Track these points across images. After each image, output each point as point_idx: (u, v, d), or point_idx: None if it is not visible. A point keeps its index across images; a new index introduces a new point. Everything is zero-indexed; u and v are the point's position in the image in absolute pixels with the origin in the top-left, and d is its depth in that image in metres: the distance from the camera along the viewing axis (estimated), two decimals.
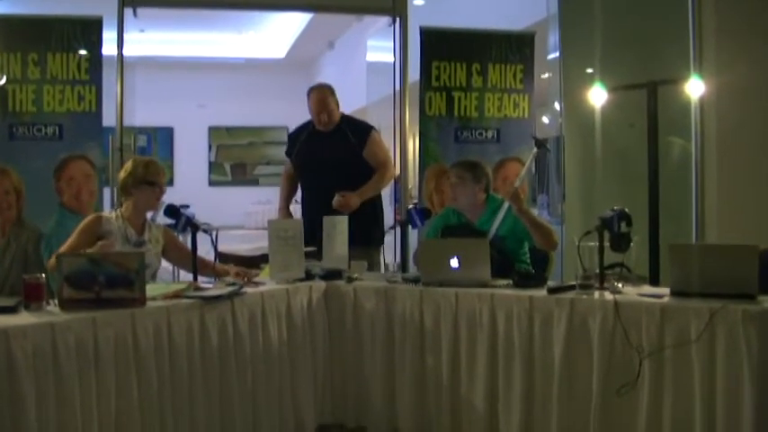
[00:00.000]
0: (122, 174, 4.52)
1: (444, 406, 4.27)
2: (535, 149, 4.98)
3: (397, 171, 6.97)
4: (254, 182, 22.27)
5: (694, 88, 6.09)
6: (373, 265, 5.40)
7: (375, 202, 5.76)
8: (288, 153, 5.96)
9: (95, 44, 6.31)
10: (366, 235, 5.48)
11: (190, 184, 20.41)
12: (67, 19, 6.33)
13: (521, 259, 4.82)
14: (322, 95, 5.71)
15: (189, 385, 3.78)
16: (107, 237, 4.29)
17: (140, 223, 4.53)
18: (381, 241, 5.83)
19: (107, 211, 4.51)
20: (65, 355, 3.26)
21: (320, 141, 5.70)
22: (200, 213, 4.77)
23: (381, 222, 5.82)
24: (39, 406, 3.14)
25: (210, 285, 4.26)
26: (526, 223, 4.67)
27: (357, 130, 5.78)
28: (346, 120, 5.83)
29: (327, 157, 5.63)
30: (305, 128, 5.88)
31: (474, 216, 4.87)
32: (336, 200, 5.42)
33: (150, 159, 4.59)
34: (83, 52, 6.27)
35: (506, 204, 4.71)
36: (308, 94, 5.76)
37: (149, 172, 4.47)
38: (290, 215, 5.99)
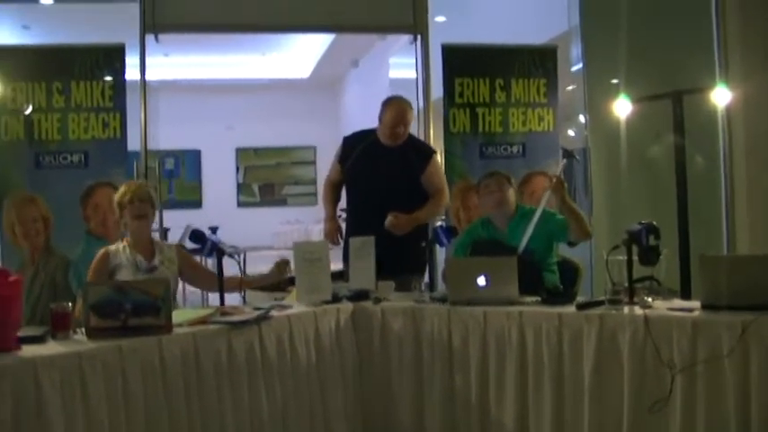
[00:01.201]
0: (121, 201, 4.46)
1: (474, 426, 4.23)
2: (564, 160, 4.94)
3: None
4: (283, 202, 22.37)
5: (720, 97, 6.02)
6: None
7: (422, 228, 5.45)
8: (341, 160, 5.57)
9: (119, 71, 6.37)
10: (412, 261, 5.29)
11: (218, 205, 20.55)
12: (91, 47, 6.40)
13: (549, 269, 4.78)
14: (403, 108, 5.40)
15: (218, 410, 3.76)
16: (117, 270, 4.30)
17: (149, 248, 4.47)
18: (425, 269, 5.56)
19: (113, 246, 4.43)
20: (92, 384, 3.27)
21: (382, 156, 5.38)
22: (228, 235, 4.78)
23: (426, 250, 5.41)
24: None
25: (237, 310, 4.24)
26: (566, 211, 4.61)
27: (420, 151, 5.53)
28: (410, 138, 5.56)
29: (386, 173, 5.33)
30: (364, 137, 5.54)
31: (504, 223, 4.83)
32: (390, 220, 5.14)
33: (130, 182, 4.55)
34: (107, 79, 6.31)
35: (536, 216, 4.66)
36: (386, 104, 5.42)
37: (120, 196, 4.41)
38: (339, 227, 5.51)
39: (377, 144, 5.44)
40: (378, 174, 5.34)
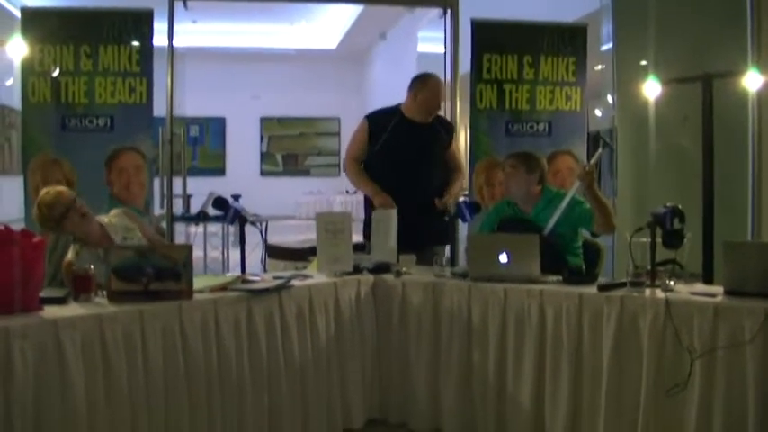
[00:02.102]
0: (40, 225, 4.13)
1: (489, 404, 4.23)
2: (600, 149, 4.89)
3: None
4: (306, 172, 22.46)
5: (752, 81, 5.95)
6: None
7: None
8: (374, 137, 5.50)
9: (146, 36, 6.35)
10: (438, 234, 5.36)
11: (241, 174, 20.66)
12: (119, 11, 6.39)
13: (574, 252, 4.75)
14: (440, 89, 5.56)
15: (237, 377, 3.79)
16: None
17: (101, 236, 4.17)
18: (448, 242, 5.63)
19: (70, 252, 4.09)
20: (113, 347, 3.30)
21: (415, 133, 5.45)
22: (251, 204, 4.77)
23: (449, 224, 5.43)
24: (88, 396, 3.19)
25: (258, 278, 4.26)
26: (593, 203, 4.55)
27: (447, 127, 5.67)
28: (436, 115, 5.66)
29: (420, 148, 5.40)
30: (391, 114, 5.56)
31: (528, 207, 4.81)
32: (442, 202, 5.22)
33: (44, 195, 4.09)
34: (135, 44, 6.31)
35: (566, 199, 4.63)
36: (423, 83, 5.46)
37: (52, 212, 4.03)
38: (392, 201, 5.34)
39: (405, 120, 5.48)
40: (411, 149, 5.39)
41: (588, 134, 7.04)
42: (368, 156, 5.52)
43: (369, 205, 5.48)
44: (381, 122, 5.54)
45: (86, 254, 4.03)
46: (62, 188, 4.22)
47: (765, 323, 3.42)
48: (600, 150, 4.88)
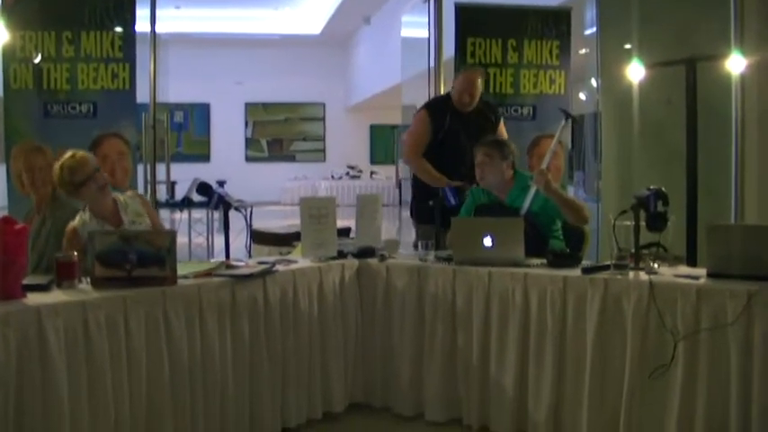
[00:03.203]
0: (57, 184, 4.22)
1: (473, 387, 4.25)
2: (563, 122, 4.91)
3: None
4: (291, 158, 22.42)
5: (735, 65, 5.97)
6: None
7: None
8: (435, 126, 5.59)
9: (129, 22, 6.33)
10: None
11: (226, 159, 20.63)
12: None
13: (553, 235, 4.77)
14: (473, 77, 5.62)
15: (220, 363, 3.78)
16: None
17: (112, 211, 4.26)
18: None
19: (77, 219, 4.19)
20: (96, 334, 3.29)
21: (469, 120, 5.58)
22: (236, 189, 4.76)
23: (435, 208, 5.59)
24: (71, 383, 3.17)
25: (243, 264, 4.25)
26: (556, 201, 4.63)
27: (494, 113, 5.82)
28: (482, 101, 5.75)
29: (476, 135, 5.32)
30: (445, 104, 5.70)
31: (503, 193, 4.83)
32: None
33: (68, 159, 4.13)
34: (117, 30, 6.27)
35: (528, 198, 4.66)
36: (460, 71, 5.74)
37: (72, 177, 4.09)
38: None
39: (457, 112, 5.61)
40: (466, 136, 5.45)
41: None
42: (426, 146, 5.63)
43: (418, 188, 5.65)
44: (439, 112, 5.64)
45: (93, 224, 4.09)
46: (88, 155, 4.26)
47: (748, 305, 3.43)
48: (563, 123, 4.89)
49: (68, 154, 4.17)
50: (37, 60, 6.17)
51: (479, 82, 5.62)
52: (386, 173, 20.93)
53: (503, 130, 5.79)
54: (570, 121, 4.98)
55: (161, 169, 8.70)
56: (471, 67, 5.78)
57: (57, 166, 4.16)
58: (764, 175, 6.15)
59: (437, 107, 5.74)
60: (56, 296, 3.35)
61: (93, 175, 4.12)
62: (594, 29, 7.34)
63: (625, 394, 3.72)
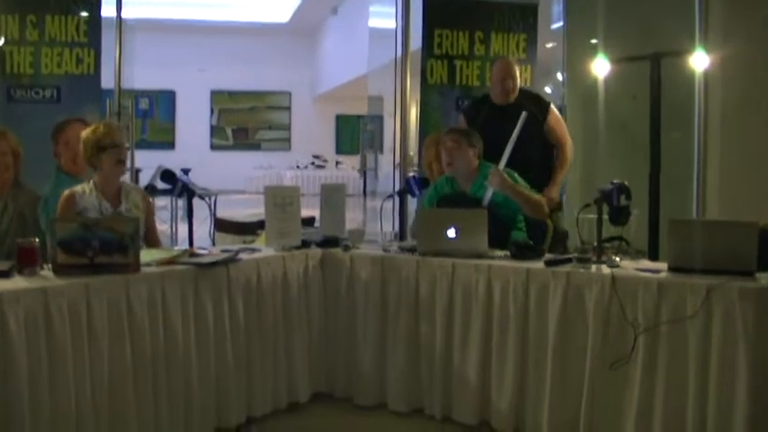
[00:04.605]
0: (81, 145, 4.34)
1: (436, 378, 4.27)
2: (524, 114, 4.93)
3: (398, 140, 6.94)
4: (256, 146, 22.31)
5: (699, 61, 6.03)
6: None
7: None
8: (470, 122, 5.54)
9: (94, 6, 6.28)
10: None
11: (192, 147, 20.47)
12: None
13: (517, 227, 4.80)
14: (507, 62, 5.62)
15: (183, 352, 3.77)
16: (83, 213, 4.17)
17: (115, 192, 4.33)
18: None
19: (79, 187, 4.30)
20: (58, 321, 3.26)
21: (505, 115, 5.32)
22: (201, 177, 4.75)
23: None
24: (31, 371, 3.15)
25: (206, 252, 4.24)
26: (514, 198, 4.67)
27: (538, 102, 5.63)
28: (524, 93, 5.67)
29: (512, 130, 5.19)
30: (481, 104, 5.68)
31: (467, 182, 4.85)
32: (550, 198, 5.26)
33: (106, 123, 4.34)
34: (82, 14, 6.21)
35: (487, 197, 4.70)
36: (494, 63, 5.73)
37: (106, 136, 4.23)
38: None
39: (493, 106, 5.57)
40: (503, 131, 5.17)
41: None
42: None
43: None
44: (474, 113, 5.64)
45: (92, 197, 4.21)
46: (119, 126, 4.44)
47: (707, 299, 3.49)
48: (524, 115, 4.91)
49: (104, 122, 4.36)
50: (0, 43, 6.10)
51: (516, 68, 5.58)
52: (351, 163, 20.88)
53: (554, 123, 5.64)
54: (526, 116, 4.98)
55: None
56: (501, 57, 5.83)
57: (88, 130, 4.29)
58: (726, 170, 6.22)
59: (471, 106, 5.83)
60: (17, 282, 3.32)
61: (117, 147, 4.23)
62: (561, 23, 7.38)
63: (586, 385, 3.77)
